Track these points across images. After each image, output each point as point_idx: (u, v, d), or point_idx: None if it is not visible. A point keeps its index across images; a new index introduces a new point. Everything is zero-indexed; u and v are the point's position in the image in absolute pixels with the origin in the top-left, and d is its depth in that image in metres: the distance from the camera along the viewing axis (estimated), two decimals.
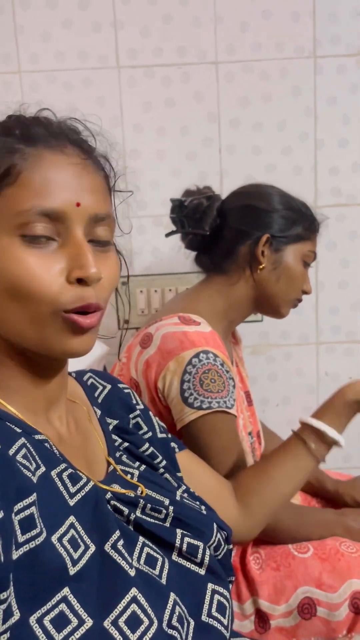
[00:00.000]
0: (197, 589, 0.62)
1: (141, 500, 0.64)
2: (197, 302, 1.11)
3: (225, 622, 0.61)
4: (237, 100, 1.50)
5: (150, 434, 0.79)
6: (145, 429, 0.79)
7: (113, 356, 1.39)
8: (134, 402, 0.80)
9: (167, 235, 1.20)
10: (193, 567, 0.63)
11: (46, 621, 0.47)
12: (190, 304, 1.11)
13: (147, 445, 0.76)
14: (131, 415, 0.78)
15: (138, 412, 0.79)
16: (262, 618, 0.99)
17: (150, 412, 0.82)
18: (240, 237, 1.12)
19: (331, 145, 1.53)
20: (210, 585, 0.63)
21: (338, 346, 1.63)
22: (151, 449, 0.76)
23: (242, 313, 1.17)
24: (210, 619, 0.60)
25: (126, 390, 0.80)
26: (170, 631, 0.53)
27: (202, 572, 0.63)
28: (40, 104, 0.62)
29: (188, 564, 0.63)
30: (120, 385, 0.80)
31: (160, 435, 0.80)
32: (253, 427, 1.21)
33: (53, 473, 0.57)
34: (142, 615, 0.51)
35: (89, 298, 0.56)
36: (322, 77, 1.49)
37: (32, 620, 0.47)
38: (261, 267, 1.11)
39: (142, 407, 0.81)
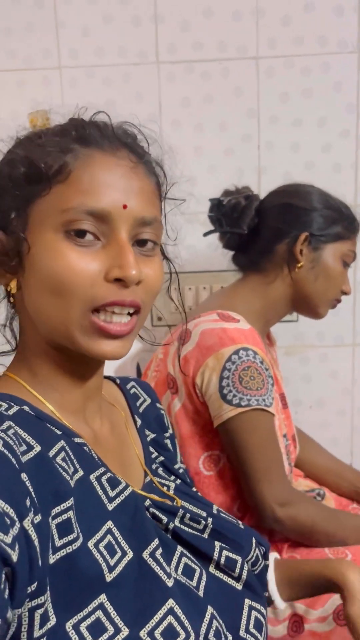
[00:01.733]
0: (234, 603, 0.61)
1: (180, 510, 0.64)
2: (235, 300, 1.10)
3: (261, 639, 0.60)
4: (277, 96, 1.47)
5: (178, 457, 0.80)
6: (172, 452, 0.79)
7: (147, 353, 1.39)
8: (166, 424, 0.80)
9: (206, 234, 1.19)
10: (230, 581, 0.62)
11: (82, 628, 0.47)
12: (228, 301, 1.10)
13: (179, 465, 0.78)
14: (165, 434, 0.79)
15: (169, 434, 0.80)
16: (296, 622, 0.97)
17: (175, 440, 0.83)
18: (279, 235, 1.11)
19: None
20: (247, 601, 0.62)
21: None
22: (182, 469, 0.77)
23: (279, 312, 1.15)
24: (248, 635, 0.59)
25: (162, 411, 0.81)
26: None
27: (239, 587, 0.62)
28: (96, 107, 0.62)
29: (225, 578, 0.62)
30: (158, 405, 0.80)
31: (180, 465, 0.80)
32: (288, 430, 1.20)
33: (92, 477, 0.56)
34: (178, 628, 0.51)
35: (124, 295, 0.55)
36: None
37: (69, 626, 0.46)
38: (299, 265, 1.10)
39: (172, 432, 0.81)
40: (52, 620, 0.46)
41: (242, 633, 0.58)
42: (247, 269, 1.16)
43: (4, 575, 0.42)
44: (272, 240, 1.12)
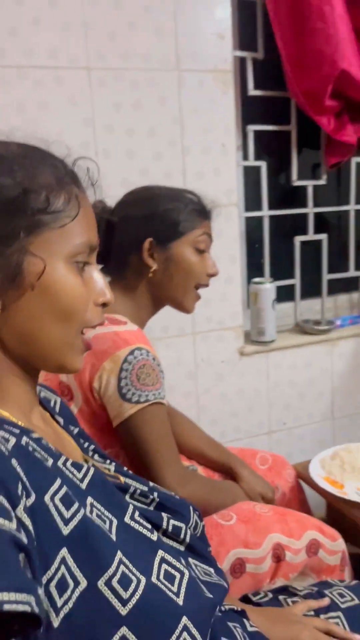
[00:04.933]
0: None
1: (132, 486, 0.72)
2: (115, 305, 1.14)
3: None
4: (111, 106, 1.55)
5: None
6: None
7: None
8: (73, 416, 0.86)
9: None
10: (175, 545, 0.73)
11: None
12: (109, 306, 1.14)
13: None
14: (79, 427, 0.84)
15: (79, 427, 0.84)
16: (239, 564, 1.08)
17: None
18: (127, 247, 1.15)
19: (196, 152, 1.67)
20: (191, 561, 0.72)
21: (211, 334, 1.80)
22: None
23: (150, 312, 1.22)
24: None
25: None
26: None
27: (182, 549, 0.73)
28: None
29: (171, 542, 0.72)
30: (63, 400, 0.84)
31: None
32: None
33: (59, 463, 0.61)
34: (173, 571, 0.62)
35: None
36: (185, 89, 1.62)
37: (101, 584, 0.54)
38: (152, 270, 1.14)
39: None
40: (83, 583, 0.53)
41: None
42: (114, 277, 1.20)
43: (21, 558, 0.47)
44: (123, 253, 1.16)
